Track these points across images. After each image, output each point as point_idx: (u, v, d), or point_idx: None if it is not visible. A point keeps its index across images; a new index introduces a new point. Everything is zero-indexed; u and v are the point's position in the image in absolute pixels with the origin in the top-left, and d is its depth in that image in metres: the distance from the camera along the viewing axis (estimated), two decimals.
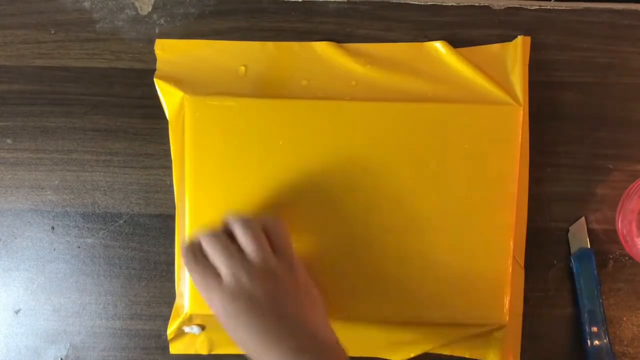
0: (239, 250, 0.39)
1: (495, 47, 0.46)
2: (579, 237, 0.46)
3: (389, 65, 0.46)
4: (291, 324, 0.37)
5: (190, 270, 0.39)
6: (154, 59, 0.47)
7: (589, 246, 0.46)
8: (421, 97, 0.45)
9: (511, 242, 0.44)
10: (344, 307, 0.45)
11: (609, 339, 0.45)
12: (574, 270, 0.46)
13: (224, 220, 0.40)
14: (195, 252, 0.39)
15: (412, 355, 0.46)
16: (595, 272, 0.45)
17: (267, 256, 0.39)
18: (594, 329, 0.45)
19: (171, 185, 0.46)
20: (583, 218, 0.46)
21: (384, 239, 0.44)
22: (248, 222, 0.39)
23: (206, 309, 0.45)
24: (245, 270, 0.38)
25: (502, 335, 0.45)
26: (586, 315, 0.45)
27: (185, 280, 0.46)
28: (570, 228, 0.46)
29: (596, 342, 0.45)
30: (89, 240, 0.47)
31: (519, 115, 0.44)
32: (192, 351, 0.47)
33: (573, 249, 0.46)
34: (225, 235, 0.39)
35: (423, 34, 0.46)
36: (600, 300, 0.45)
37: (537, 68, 0.46)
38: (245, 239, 0.39)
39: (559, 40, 0.46)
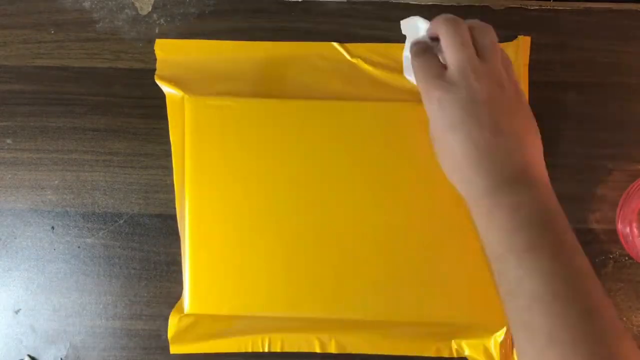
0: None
1: None
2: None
3: (389, 65, 0.46)
4: (506, 145, 0.34)
5: (414, 55, 0.38)
6: (154, 59, 0.47)
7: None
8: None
9: None
10: (344, 306, 0.45)
11: None
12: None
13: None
14: (426, 42, 0.38)
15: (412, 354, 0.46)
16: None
17: (498, 65, 0.36)
18: None
19: (171, 185, 0.46)
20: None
21: (382, 239, 0.44)
22: (488, 27, 0.37)
23: (206, 309, 0.46)
24: (473, 66, 0.35)
25: (502, 335, 0.45)
26: None
27: (186, 280, 0.46)
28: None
29: None
30: (89, 240, 0.47)
31: None
32: (192, 351, 0.47)
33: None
34: (466, 26, 0.36)
35: None
36: None
37: (537, 68, 0.46)
38: (484, 40, 0.36)
39: (559, 40, 0.46)
